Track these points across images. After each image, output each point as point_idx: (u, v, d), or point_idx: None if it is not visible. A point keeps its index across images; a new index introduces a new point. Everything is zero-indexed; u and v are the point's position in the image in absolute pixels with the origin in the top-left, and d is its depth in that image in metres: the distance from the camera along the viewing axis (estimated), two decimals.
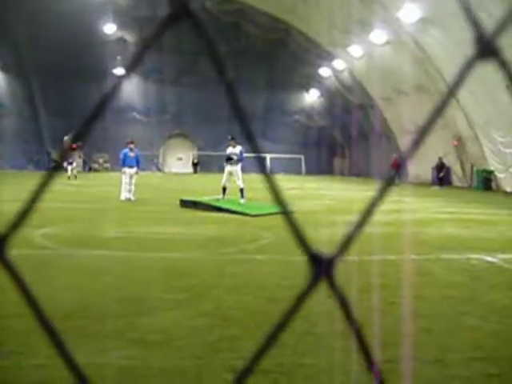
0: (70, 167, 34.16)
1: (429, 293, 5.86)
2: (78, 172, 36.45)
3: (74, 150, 53.03)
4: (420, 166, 39.36)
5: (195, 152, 56.95)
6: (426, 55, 32.23)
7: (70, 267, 6.92)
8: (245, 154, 16.86)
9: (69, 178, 32.85)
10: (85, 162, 55.43)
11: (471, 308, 5.35)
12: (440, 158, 33.12)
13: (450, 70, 31.10)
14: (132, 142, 18.65)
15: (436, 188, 31.02)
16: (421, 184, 36.26)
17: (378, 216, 14.02)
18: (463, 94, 31.05)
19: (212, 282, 6.22)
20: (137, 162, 18.34)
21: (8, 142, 51.71)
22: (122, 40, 52.04)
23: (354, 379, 3.47)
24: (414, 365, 3.77)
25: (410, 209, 17.06)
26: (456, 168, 35.21)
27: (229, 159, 16.53)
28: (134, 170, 18.13)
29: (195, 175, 49.43)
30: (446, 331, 4.54)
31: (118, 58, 53.50)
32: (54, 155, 53.16)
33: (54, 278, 6.29)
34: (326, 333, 4.38)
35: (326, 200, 20.07)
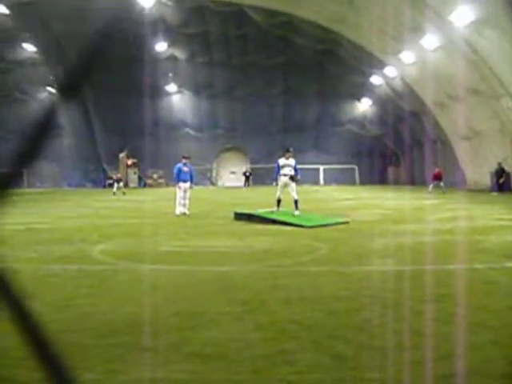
0: (116, 184, 36.05)
1: (494, 303, 5.61)
2: (134, 188, 37.44)
3: (129, 166, 54.28)
4: (479, 172, 38.27)
5: (248, 165, 57.12)
6: (480, 58, 31.38)
7: (127, 282, 6.99)
8: (298, 166, 16.72)
9: (114, 193, 34.86)
10: (140, 178, 56.51)
11: None
12: (499, 164, 32.08)
13: (505, 71, 30.19)
14: (187, 157, 18.83)
15: (495, 194, 30.04)
16: (480, 190, 35.24)
17: (438, 224, 13.66)
18: None
19: (267, 294, 6.15)
20: (191, 177, 18.51)
21: (66, 161, 53.35)
22: (172, 57, 53.00)
23: None
24: (482, 379, 3.58)
25: (470, 216, 16.55)
26: None
27: (286, 172, 16.14)
28: (188, 184, 18.28)
29: (246, 188, 48.97)
30: None
31: (170, 74, 54.48)
32: (110, 172, 54.49)
33: (112, 292, 6.36)
34: (386, 345, 4.24)
35: (381, 209, 19.72)
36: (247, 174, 54.05)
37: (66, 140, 53.89)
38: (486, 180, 36.25)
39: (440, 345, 4.22)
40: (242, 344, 4.39)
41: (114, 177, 38.37)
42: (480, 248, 9.52)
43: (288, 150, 16.64)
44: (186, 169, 18.41)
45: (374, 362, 3.89)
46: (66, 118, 53.50)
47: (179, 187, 18.18)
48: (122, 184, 36.75)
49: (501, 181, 31.64)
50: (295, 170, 16.25)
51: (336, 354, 4.11)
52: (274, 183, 16.57)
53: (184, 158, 18.80)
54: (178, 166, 18.56)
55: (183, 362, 3.99)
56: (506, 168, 32.83)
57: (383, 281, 6.83)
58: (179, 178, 18.26)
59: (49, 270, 7.69)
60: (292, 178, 16.09)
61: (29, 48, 47.27)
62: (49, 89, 52.37)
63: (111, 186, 52.37)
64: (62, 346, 4.11)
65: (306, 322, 4.97)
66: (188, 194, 18.31)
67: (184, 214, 17.87)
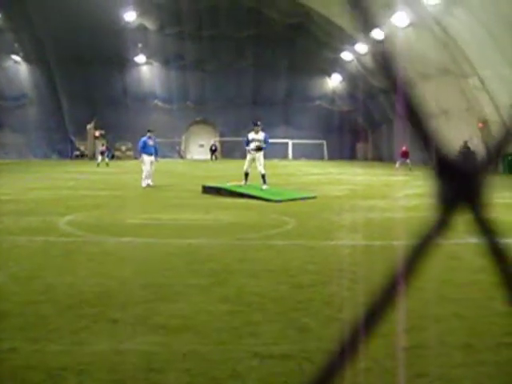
0: (100, 156, 35.89)
1: (458, 277, 5.74)
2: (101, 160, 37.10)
3: (97, 138, 53.49)
4: (444, 150, 38.76)
5: (216, 138, 56.85)
6: (450, 37, 31.57)
7: (94, 254, 6.94)
8: (269, 140, 16.65)
9: (98, 165, 34.84)
10: (108, 150, 55.73)
11: (501, 293, 5.22)
12: (465, 142, 32.56)
13: (474, 51, 30.48)
14: (151, 131, 19.09)
15: None
16: None
17: (405, 200, 13.85)
18: (488, 75, 30.46)
19: (234, 267, 6.18)
20: (155, 150, 18.64)
21: (32, 131, 52.24)
22: (142, 27, 51.88)
23: (380, 364, 3.40)
24: (443, 350, 3.68)
25: None
26: (481, 152, 34.59)
27: (253, 147, 16.14)
28: (152, 157, 18.41)
29: (213, 162, 48.61)
30: (475, 316, 4.44)
31: (139, 45, 53.45)
32: (78, 143, 53.64)
33: (79, 264, 6.31)
34: (351, 318, 4.30)
35: (349, 185, 19.90)
36: (213, 148, 53.92)
37: (30, 109, 52.67)
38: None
39: (404, 318, 4.31)
40: (208, 316, 4.41)
41: (103, 147, 38.22)
42: None
43: (256, 124, 16.58)
44: (151, 142, 18.61)
45: (339, 334, 3.95)
46: (31, 87, 52.25)
47: (144, 160, 18.30)
48: (106, 155, 36.98)
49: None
50: (265, 142, 16.23)
51: (301, 326, 4.16)
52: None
53: (149, 131, 19.04)
54: (143, 139, 18.72)
55: (149, 334, 3.99)
56: (472, 146, 33.34)
57: (350, 255, 6.92)
58: (144, 150, 18.40)
59: (14, 241, 7.57)
60: (259, 149, 16.06)
61: None
62: (14, 57, 50.92)
63: (78, 157, 51.71)
64: (26, 317, 4.05)
65: (272, 295, 5.01)
66: (153, 167, 18.44)
67: (149, 185, 17.94)
